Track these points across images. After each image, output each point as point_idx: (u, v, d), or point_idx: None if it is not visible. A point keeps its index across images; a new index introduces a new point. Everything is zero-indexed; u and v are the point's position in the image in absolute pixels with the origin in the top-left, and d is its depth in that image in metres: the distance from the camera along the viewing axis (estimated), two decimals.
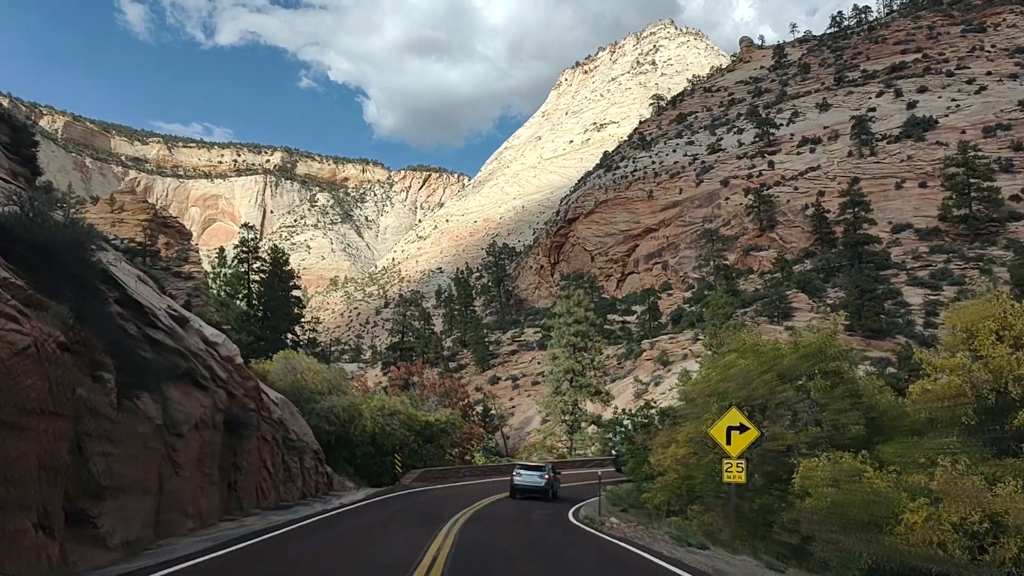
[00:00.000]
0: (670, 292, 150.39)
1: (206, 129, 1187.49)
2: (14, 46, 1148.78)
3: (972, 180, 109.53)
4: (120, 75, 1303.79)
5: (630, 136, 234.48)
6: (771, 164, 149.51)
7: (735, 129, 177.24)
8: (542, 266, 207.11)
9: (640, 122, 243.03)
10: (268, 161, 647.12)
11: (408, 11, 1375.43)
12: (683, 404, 28.89)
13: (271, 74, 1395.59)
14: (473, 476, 45.11)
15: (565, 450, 69.95)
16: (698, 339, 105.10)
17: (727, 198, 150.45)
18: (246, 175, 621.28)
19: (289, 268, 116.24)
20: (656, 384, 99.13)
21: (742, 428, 15.30)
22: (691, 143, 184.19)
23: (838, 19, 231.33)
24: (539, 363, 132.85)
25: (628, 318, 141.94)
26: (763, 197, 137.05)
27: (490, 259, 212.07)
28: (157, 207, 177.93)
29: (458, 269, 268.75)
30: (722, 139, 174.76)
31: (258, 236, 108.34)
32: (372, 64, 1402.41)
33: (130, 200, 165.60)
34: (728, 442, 15.47)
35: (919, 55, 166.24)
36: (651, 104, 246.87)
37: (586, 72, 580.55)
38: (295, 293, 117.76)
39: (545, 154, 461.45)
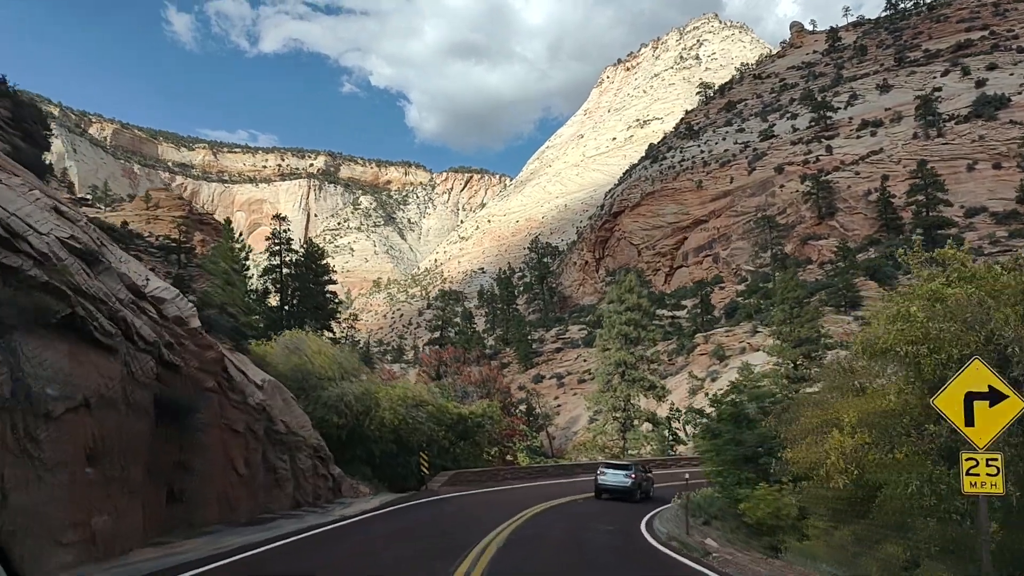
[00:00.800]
0: (722, 285, 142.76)
1: (251, 136, 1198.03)
2: (65, 57, 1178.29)
3: None
4: (167, 84, 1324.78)
5: (676, 126, 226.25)
6: (829, 149, 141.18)
7: (788, 114, 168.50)
8: (586, 262, 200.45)
9: (687, 112, 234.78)
10: (312, 165, 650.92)
11: (448, 15, 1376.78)
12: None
13: (314, 80, 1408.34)
14: (515, 479, 38.86)
15: (618, 450, 63.39)
16: (757, 331, 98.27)
17: (782, 186, 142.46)
18: (290, 179, 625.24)
19: (324, 263, 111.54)
20: (713, 380, 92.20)
21: (994, 396, 8.65)
22: (741, 130, 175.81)
23: (893, 1, 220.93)
24: (585, 360, 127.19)
25: (678, 313, 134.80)
26: (821, 183, 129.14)
27: (532, 255, 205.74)
28: (193, 204, 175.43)
29: (500, 269, 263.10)
30: (774, 125, 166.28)
31: (290, 228, 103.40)
32: (413, 68, 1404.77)
33: (165, 197, 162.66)
34: (969, 421, 8.94)
35: (985, 32, 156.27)
36: (698, 93, 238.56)
37: (628, 69, 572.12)
38: (331, 288, 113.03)
39: (588, 152, 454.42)
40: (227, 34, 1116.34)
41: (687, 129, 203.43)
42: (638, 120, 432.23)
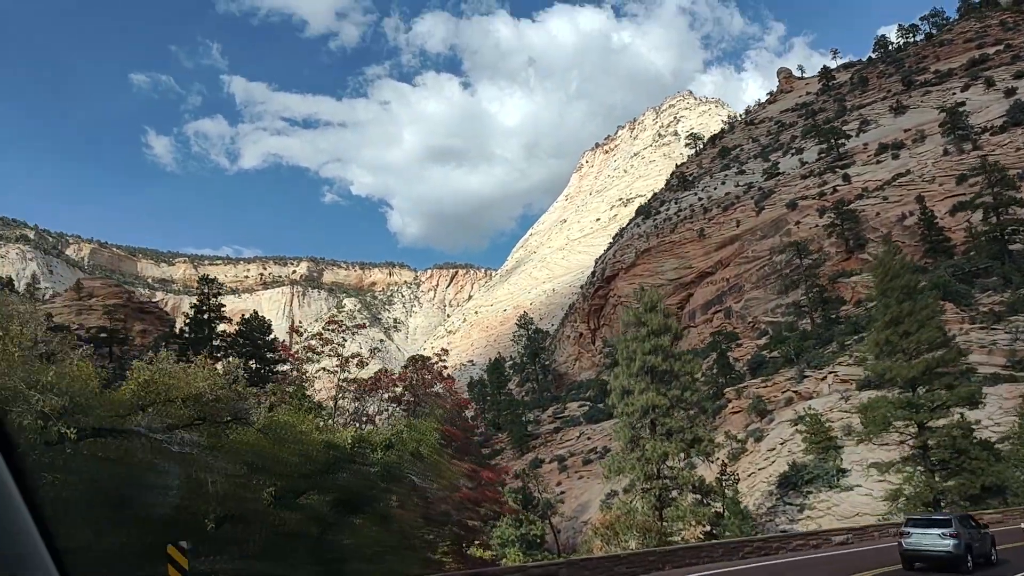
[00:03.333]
0: (739, 342, 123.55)
1: (235, 251, 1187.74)
2: (43, 181, 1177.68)
3: None
4: (149, 205, 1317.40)
5: (668, 180, 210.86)
6: (846, 178, 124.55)
7: (792, 151, 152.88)
8: (581, 334, 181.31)
9: (677, 165, 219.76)
10: (294, 272, 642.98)
11: (425, 122, 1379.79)
12: None
13: (295, 193, 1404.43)
14: None
15: (654, 535, 42.66)
16: (805, 376, 78.83)
17: (797, 222, 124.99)
18: (273, 288, 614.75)
19: (271, 338, 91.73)
20: (757, 439, 72.29)
21: None
22: (742, 172, 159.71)
23: (882, 42, 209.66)
24: (589, 438, 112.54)
25: (688, 390, 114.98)
26: (845, 213, 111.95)
27: (521, 332, 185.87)
28: (133, 293, 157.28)
29: (490, 359, 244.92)
30: (778, 163, 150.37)
31: (220, 290, 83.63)
32: (393, 175, 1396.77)
33: (100, 286, 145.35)
34: None
35: (1000, 46, 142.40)
36: (687, 144, 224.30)
37: (607, 152, 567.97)
38: (283, 369, 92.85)
39: (572, 235, 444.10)
40: (207, 153, 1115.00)
41: (680, 180, 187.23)
42: (621, 199, 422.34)
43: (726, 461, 59.16)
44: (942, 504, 38.64)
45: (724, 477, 50.65)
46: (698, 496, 45.95)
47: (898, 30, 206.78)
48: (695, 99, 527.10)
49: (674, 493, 45.83)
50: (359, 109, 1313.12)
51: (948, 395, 38.61)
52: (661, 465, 44.95)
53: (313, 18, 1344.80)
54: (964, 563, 24.21)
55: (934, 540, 24.53)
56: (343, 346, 40.98)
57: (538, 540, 43.53)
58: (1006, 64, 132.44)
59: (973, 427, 40.88)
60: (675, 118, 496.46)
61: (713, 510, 45.78)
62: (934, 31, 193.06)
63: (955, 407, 39.48)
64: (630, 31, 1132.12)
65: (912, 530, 25.27)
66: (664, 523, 43.85)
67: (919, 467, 40.40)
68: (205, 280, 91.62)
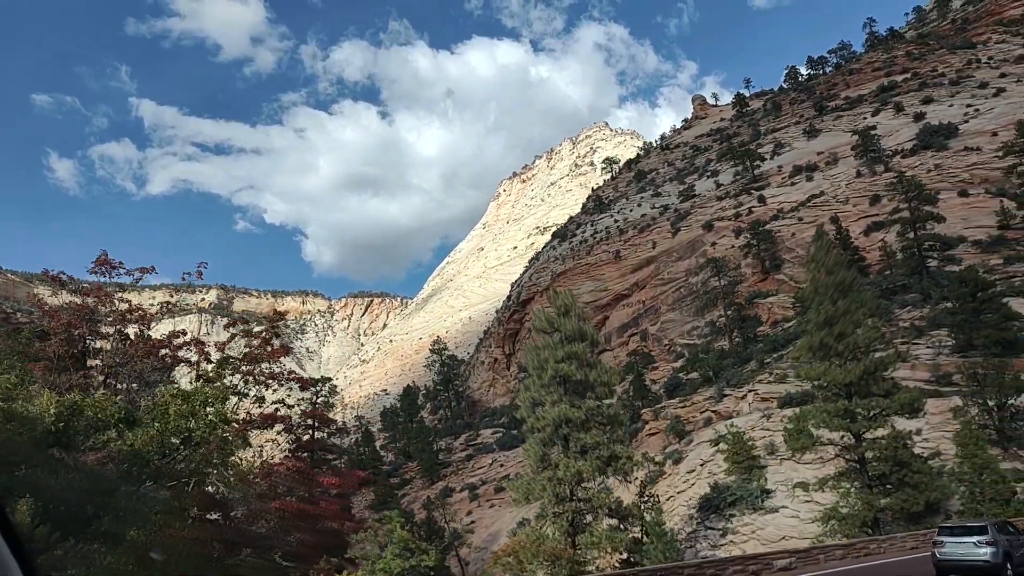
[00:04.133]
0: (655, 365, 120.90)
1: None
2: None
3: None
4: (49, 230, 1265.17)
5: (584, 204, 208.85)
6: (761, 199, 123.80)
7: (708, 173, 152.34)
8: (496, 359, 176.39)
9: (593, 189, 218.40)
10: (203, 300, 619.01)
11: (342, 150, 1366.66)
12: None
13: (206, 220, 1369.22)
14: None
15: (566, 563, 37.61)
16: (724, 395, 75.49)
17: (713, 243, 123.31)
18: (179, 315, 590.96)
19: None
20: (676, 462, 68.39)
21: None
22: (658, 195, 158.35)
23: (792, 73, 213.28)
24: (502, 465, 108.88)
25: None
26: (761, 234, 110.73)
27: (434, 357, 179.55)
28: (11, 314, 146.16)
29: (405, 387, 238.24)
30: (694, 185, 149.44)
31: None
32: (309, 203, 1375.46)
33: None
34: None
35: (908, 75, 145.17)
36: (604, 169, 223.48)
37: (524, 181, 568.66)
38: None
39: (489, 263, 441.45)
40: (113, 177, 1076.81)
41: (596, 203, 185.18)
42: (538, 227, 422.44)
43: (645, 482, 54.90)
44: (881, 524, 34.94)
45: (644, 499, 46.02)
46: (615, 520, 41.22)
47: (807, 62, 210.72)
48: (611, 130, 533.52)
49: (588, 517, 40.99)
50: (274, 136, 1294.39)
51: (887, 403, 35.02)
52: (575, 486, 40.16)
53: (227, 43, 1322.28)
54: (1003, 572, 22.93)
55: (969, 549, 23.11)
56: (126, 303, 34.67)
57: (432, 572, 38.11)
58: (914, 91, 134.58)
59: (910, 440, 37.45)
60: (592, 148, 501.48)
61: (631, 536, 41.12)
62: (842, 62, 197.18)
63: (895, 415, 35.98)
64: (548, 65, 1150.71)
65: (946, 539, 23.91)
66: (577, 550, 38.98)
67: (855, 483, 36.60)
68: (54, 281, 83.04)
